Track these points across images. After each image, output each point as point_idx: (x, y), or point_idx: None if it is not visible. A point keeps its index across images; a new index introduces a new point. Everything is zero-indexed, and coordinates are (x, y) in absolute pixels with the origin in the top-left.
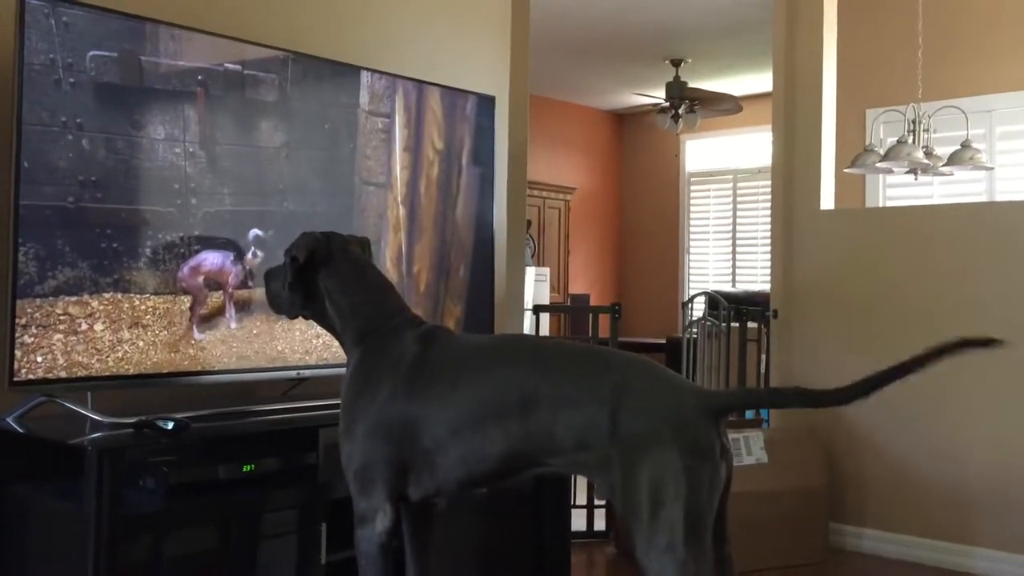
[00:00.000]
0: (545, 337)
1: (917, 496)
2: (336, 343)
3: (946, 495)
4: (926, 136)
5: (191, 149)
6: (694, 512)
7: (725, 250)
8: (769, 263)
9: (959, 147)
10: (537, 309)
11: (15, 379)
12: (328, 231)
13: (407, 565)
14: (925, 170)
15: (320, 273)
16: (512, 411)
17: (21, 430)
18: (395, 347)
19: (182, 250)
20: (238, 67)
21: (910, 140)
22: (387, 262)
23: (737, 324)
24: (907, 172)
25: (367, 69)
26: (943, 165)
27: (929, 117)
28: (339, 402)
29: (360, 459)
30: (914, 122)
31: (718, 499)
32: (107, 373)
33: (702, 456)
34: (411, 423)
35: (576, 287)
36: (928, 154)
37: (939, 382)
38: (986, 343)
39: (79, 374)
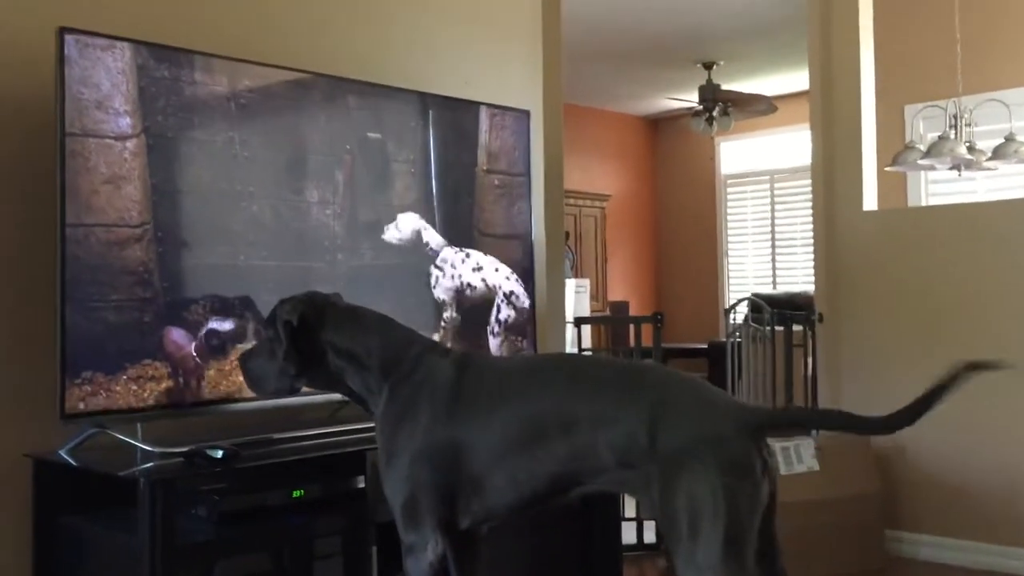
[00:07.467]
0: (580, 355)
1: (975, 500)
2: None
3: (1005, 498)
4: (968, 131)
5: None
6: (734, 531)
7: (764, 252)
8: (811, 264)
9: (1003, 140)
10: (579, 321)
11: (66, 411)
12: (305, 292)
13: None
14: (969, 165)
15: (316, 332)
16: (554, 432)
17: (74, 463)
18: (428, 374)
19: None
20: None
21: (952, 135)
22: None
23: (781, 328)
24: (950, 168)
25: (400, 89)
26: (987, 160)
27: (971, 111)
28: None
29: (406, 491)
30: (955, 117)
31: (760, 517)
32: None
33: (741, 474)
34: (456, 448)
35: (615, 294)
36: (971, 149)
37: (989, 383)
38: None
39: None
